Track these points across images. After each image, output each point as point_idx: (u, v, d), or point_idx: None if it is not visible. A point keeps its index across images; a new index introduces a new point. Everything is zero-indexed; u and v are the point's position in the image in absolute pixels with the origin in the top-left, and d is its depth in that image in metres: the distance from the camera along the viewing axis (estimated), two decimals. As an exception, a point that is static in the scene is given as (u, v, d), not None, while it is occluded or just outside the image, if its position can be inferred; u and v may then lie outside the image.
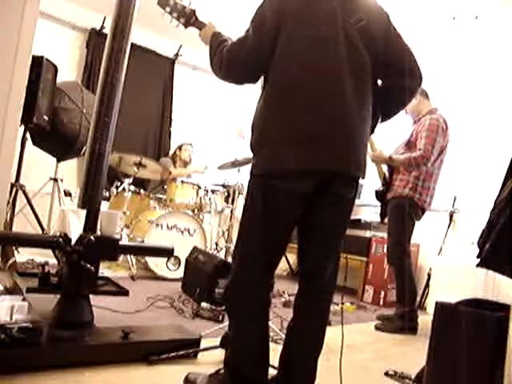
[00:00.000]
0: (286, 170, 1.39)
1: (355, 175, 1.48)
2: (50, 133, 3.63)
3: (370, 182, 2.95)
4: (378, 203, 3.24)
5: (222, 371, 1.56)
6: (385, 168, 3.21)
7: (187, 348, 1.94)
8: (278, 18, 1.42)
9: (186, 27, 1.66)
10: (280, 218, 1.45)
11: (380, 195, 3.19)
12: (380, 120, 1.64)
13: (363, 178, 1.52)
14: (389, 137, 3.44)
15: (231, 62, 1.48)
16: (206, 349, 1.98)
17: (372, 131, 1.60)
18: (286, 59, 1.42)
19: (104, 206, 2.79)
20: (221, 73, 1.53)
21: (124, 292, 2.14)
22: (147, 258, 3.67)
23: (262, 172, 1.45)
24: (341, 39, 1.43)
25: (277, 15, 1.42)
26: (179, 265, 3.68)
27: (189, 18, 1.64)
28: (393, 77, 1.57)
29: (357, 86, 1.44)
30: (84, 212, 1.94)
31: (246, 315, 1.49)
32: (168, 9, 1.63)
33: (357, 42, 1.46)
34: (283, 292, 3.60)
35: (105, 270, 3.51)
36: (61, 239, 1.85)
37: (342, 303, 3.57)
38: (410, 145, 3.06)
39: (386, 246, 3.25)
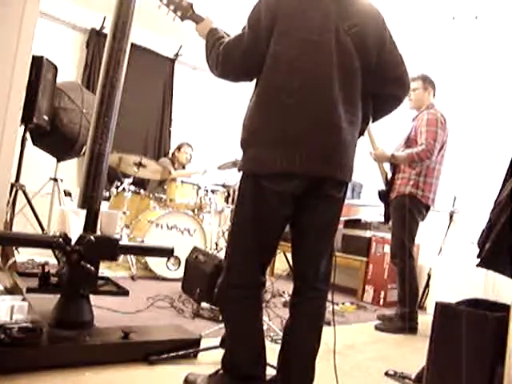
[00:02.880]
0: (271, 171, 1.40)
1: (341, 179, 1.49)
2: (50, 133, 3.63)
3: (371, 182, 2.96)
4: (380, 203, 3.23)
5: (221, 371, 1.57)
6: (387, 167, 3.20)
7: (187, 348, 1.94)
8: (272, 18, 1.42)
9: (182, 20, 1.65)
10: (270, 218, 1.47)
11: (383, 196, 3.17)
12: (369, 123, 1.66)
13: (349, 181, 1.53)
14: (389, 135, 3.43)
15: (226, 59, 1.48)
16: (205, 349, 1.98)
17: (361, 134, 1.61)
18: (276, 60, 1.42)
19: (104, 206, 2.78)
20: (217, 70, 1.53)
21: (124, 292, 2.14)
22: (147, 258, 3.67)
23: (248, 171, 1.47)
24: (332, 44, 1.43)
25: (271, 15, 1.42)
26: (179, 265, 3.68)
27: (186, 11, 1.63)
28: (383, 84, 1.58)
29: (346, 90, 1.45)
30: (84, 212, 1.94)
31: (239, 314, 1.50)
32: (165, 1, 1.62)
33: (349, 47, 1.46)
34: (283, 292, 3.60)
35: (105, 269, 3.51)
36: (61, 239, 1.85)
37: (343, 303, 3.58)
38: (409, 142, 3.05)
39: (389, 247, 3.23)
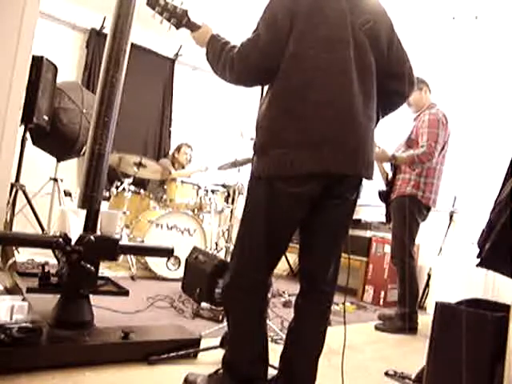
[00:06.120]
0: (296, 172, 1.37)
1: (365, 176, 1.49)
2: (50, 133, 3.63)
3: (371, 182, 2.96)
4: (380, 203, 3.23)
5: (221, 371, 1.56)
6: (388, 168, 3.20)
7: (187, 348, 1.94)
8: (289, 18, 1.40)
9: (177, 28, 1.61)
10: (285, 220, 1.45)
11: (384, 196, 3.17)
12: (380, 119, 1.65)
13: (371, 179, 1.51)
14: (389, 135, 3.43)
15: (243, 62, 1.43)
16: (205, 349, 1.98)
17: None
18: (296, 60, 1.40)
19: (104, 206, 2.78)
20: (231, 75, 1.47)
21: (124, 292, 2.15)
22: (147, 258, 3.67)
23: (269, 174, 1.41)
24: (349, 40, 1.43)
25: (288, 14, 1.40)
26: (179, 265, 3.68)
27: (180, 19, 1.59)
28: (390, 80, 1.57)
29: (364, 86, 1.45)
30: (84, 212, 1.94)
31: (244, 315, 1.49)
32: (158, 9, 1.57)
33: (364, 42, 1.46)
34: (283, 292, 3.60)
35: (105, 269, 3.51)
36: (61, 239, 1.85)
37: (344, 303, 3.57)
38: (410, 142, 3.04)
39: (390, 247, 3.23)
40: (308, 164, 1.36)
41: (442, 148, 2.99)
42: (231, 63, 1.44)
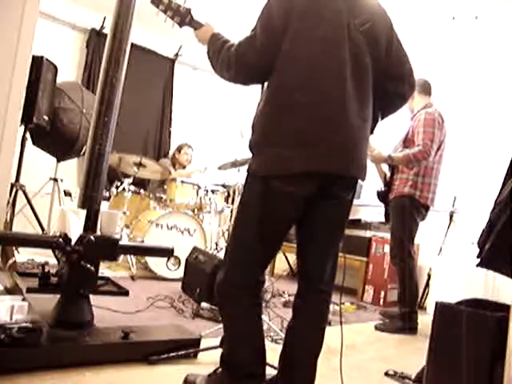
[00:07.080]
0: (290, 172, 1.38)
1: (357, 177, 1.49)
2: (50, 133, 3.63)
3: (370, 182, 2.97)
4: (380, 203, 3.23)
5: (220, 369, 1.56)
6: (386, 168, 3.20)
7: (187, 348, 1.94)
8: (285, 17, 1.40)
9: (180, 26, 1.63)
10: (279, 220, 1.45)
11: (382, 196, 3.17)
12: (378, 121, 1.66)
13: (364, 179, 1.52)
14: (385, 135, 3.43)
15: (240, 61, 1.45)
16: (205, 349, 1.98)
17: (371, 132, 1.61)
18: (293, 60, 1.41)
19: (104, 206, 2.78)
20: (228, 74, 1.49)
21: (124, 292, 2.14)
22: (147, 258, 3.67)
23: (263, 173, 1.42)
24: (345, 40, 1.43)
25: (284, 14, 1.41)
26: (179, 265, 3.68)
27: (184, 17, 1.61)
28: (389, 81, 1.58)
29: (359, 87, 1.45)
30: (84, 212, 1.94)
31: (237, 312, 1.49)
32: (162, 7, 1.59)
33: (360, 43, 1.46)
34: (283, 292, 3.60)
35: (105, 270, 3.51)
36: (61, 239, 1.85)
37: (342, 303, 3.57)
38: (407, 142, 3.04)
39: (389, 247, 3.23)
40: (302, 163, 1.37)
41: (439, 147, 2.99)
42: (228, 61, 1.46)
